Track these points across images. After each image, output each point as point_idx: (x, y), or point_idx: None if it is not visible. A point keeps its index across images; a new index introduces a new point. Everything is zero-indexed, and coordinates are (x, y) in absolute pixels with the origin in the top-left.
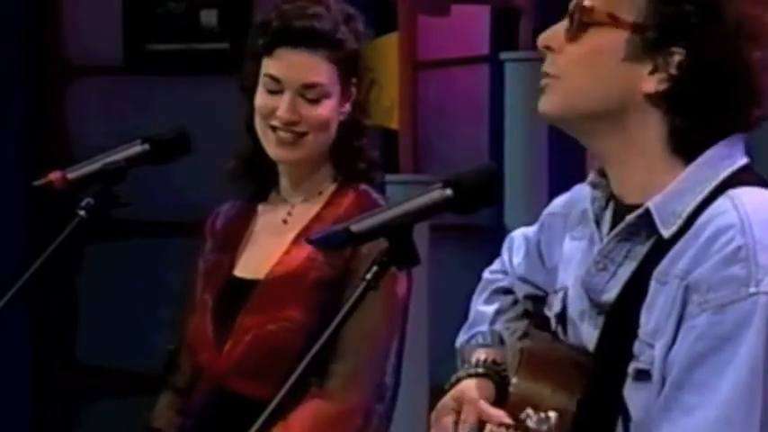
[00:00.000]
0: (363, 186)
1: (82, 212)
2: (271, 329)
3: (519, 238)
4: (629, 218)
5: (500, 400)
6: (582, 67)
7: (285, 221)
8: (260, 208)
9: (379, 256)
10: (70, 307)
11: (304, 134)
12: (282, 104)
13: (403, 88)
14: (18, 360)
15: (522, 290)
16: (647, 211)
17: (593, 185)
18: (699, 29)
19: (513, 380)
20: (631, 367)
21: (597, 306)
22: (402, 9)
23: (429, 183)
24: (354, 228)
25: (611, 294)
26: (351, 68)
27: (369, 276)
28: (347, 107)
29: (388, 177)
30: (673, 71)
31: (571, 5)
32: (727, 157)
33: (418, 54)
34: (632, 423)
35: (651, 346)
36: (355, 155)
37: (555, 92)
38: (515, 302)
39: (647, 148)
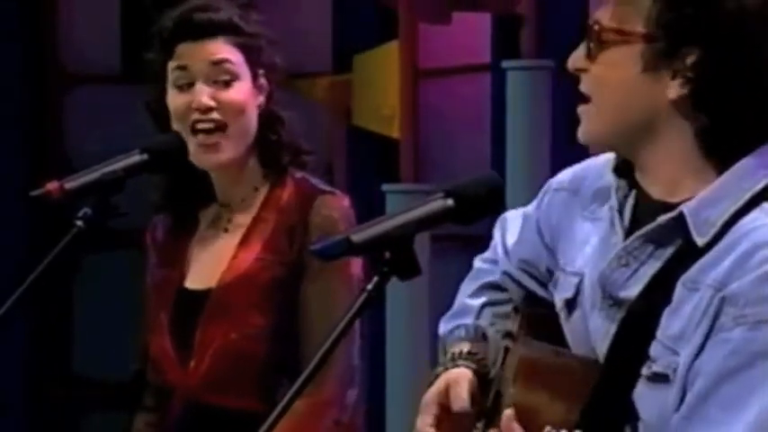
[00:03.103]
0: (299, 174)
1: (79, 223)
2: (233, 339)
3: (513, 216)
4: (662, 219)
5: (481, 388)
6: (606, 87)
7: (226, 229)
8: (201, 216)
9: (380, 266)
10: (66, 318)
11: (224, 126)
12: (196, 94)
13: (404, 97)
14: (14, 370)
15: (512, 282)
16: (681, 215)
17: (618, 172)
18: (703, 27)
19: (511, 390)
20: (646, 369)
21: (614, 301)
22: (403, 17)
23: (430, 192)
24: (355, 238)
25: (630, 292)
26: (256, 56)
27: (370, 287)
28: (261, 99)
29: (389, 187)
30: (690, 73)
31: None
32: (764, 166)
33: (419, 62)
34: (643, 425)
35: (673, 352)
36: (277, 149)
37: (588, 120)
38: (509, 301)
39: (681, 152)
